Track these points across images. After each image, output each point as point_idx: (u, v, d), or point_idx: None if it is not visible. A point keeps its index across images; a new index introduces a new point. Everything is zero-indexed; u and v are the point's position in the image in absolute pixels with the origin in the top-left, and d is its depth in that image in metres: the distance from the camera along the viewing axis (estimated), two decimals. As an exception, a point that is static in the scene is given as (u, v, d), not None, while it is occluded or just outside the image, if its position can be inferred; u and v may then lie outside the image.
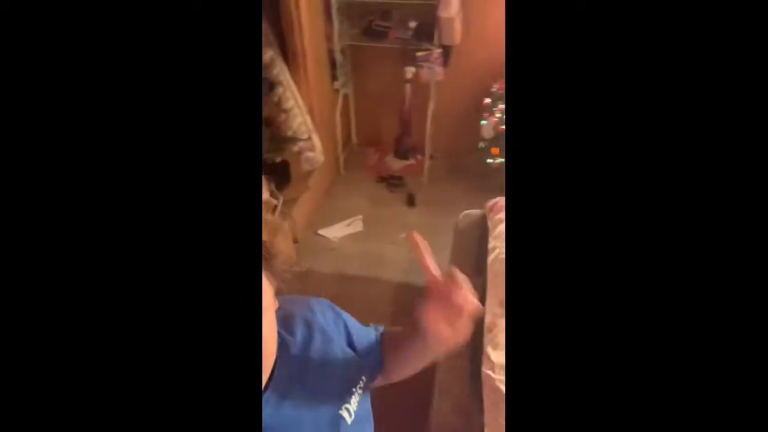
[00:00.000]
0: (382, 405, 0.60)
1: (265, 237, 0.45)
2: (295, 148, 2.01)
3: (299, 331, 0.55)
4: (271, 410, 0.47)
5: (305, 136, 2.02)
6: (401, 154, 2.68)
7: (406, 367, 0.63)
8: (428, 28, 2.13)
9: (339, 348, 0.57)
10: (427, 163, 2.54)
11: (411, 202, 2.43)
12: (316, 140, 2.07)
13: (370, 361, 0.61)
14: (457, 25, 2.07)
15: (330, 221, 2.33)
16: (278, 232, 0.48)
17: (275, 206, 0.48)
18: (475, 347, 1.22)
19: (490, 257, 1.30)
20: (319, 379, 0.52)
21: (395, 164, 2.69)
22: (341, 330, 0.60)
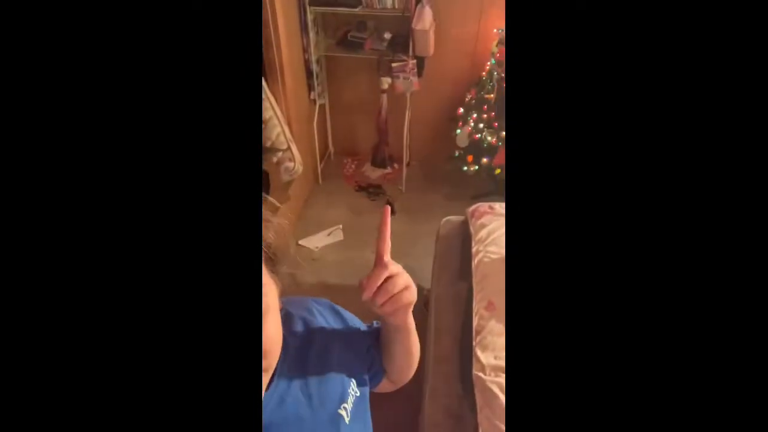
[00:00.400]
0: (373, 413, 0.60)
1: (270, 238, 0.46)
2: (275, 159, 2.00)
3: (299, 332, 0.56)
4: (272, 408, 0.47)
5: (284, 147, 2.02)
6: (378, 163, 2.71)
7: (393, 359, 0.63)
8: (403, 39, 2.18)
9: (338, 348, 0.57)
10: (404, 171, 2.58)
11: (390, 210, 2.45)
12: (295, 150, 2.07)
13: (370, 360, 0.62)
14: (431, 37, 2.13)
15: (310, 231, 2.32)
16: (283, 233, 0.49)
17: (278, 208, 0.48)
18: (462, 351, 1.25)
19: (474, 261, 1.34)
20: (318, 378, 0.53)
21: (373, 173, 2.71)
22: (341, 330, 0.61)
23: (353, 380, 0.57)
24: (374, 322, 0.66)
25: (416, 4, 2.05)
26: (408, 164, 2.61)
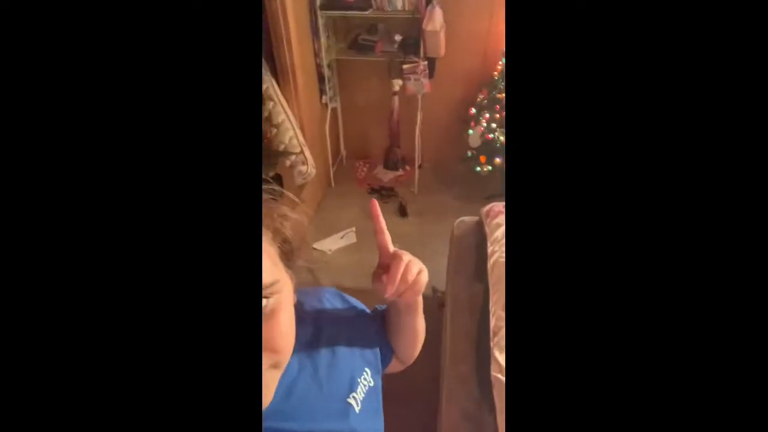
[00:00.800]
0: (390, 417, 0.60)
1: (288, 234, 0.45)
2: (288, 162, 2.02)
3: (309, 321, 0.56)
4: (280, 397, 0.47)
5: (297, 150, 2.03)
6: (390, 165, 2.71)
7: (400, 339, 0.64)
8: (413, 41, 2.18)
9: (347, 334, 0.58)
10: (416, 173, 2.57)
11: (403, 212, 2.45)
12: (308, 154, 2.08)
13: (379, 342, 0.62)
14: (442, 38, 2.13)
15: (323, 234, 2.33)
16: (301, 229, 0.50)
17: (297, 204, 0.49)
18: (479, 353, 1.23)
19: (490, 262, 1.32)
20: (327, 367, 0.53)
21: (385, 176, 2.71)
22: (349, 315, 0.61)
23: (367, 369, 0.57)
24: (377, 306, 0.68)
25: (426, 5, 2.05)
26: (420, 166, 2.60)
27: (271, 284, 0.39)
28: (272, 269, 0.41)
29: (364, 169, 2.77)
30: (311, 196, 2.43)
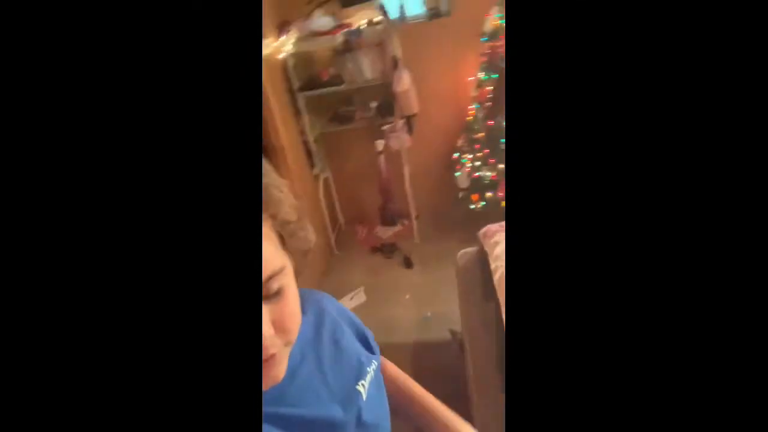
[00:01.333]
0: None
1: (293, 218, 0.48)
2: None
3: (310, 312, 0.56)
4: (285, 382, 0.46)
5: (294, 218, 2.10)
6: (388, 221, 2.76)
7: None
8: (388, 103, 2.36)
9: (348, 332, 0.58)
10: (414, 224, 2.62)
11: (408, 263, 2.46)
12: (306, 222, 2.14)
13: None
14: (413, 96, 2.30)
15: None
16: (301, 213, 0.51)
17: (287, 184, 0.51)
18: (503, 368, 1.18)
19: (495, 277, 1.32)
20: (332, 355, 0.53)
21: (384, 233, 2.76)
22: (350, 317, 0.62)
23: (374, 360, 0.57)
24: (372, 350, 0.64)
25: (393, 70, 2.25)
26: (417, 217, 2.66)
27: (280, 270, 0.41)
28: (276, 255, 0.42)
29: (364, 230, 2.83)
30: (315, 265, 2.46)
